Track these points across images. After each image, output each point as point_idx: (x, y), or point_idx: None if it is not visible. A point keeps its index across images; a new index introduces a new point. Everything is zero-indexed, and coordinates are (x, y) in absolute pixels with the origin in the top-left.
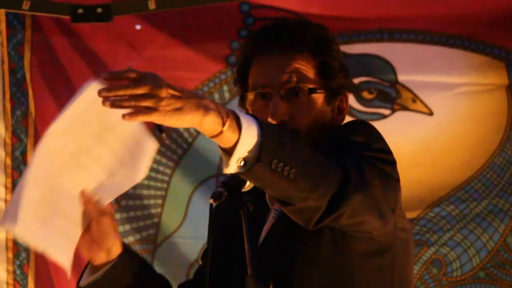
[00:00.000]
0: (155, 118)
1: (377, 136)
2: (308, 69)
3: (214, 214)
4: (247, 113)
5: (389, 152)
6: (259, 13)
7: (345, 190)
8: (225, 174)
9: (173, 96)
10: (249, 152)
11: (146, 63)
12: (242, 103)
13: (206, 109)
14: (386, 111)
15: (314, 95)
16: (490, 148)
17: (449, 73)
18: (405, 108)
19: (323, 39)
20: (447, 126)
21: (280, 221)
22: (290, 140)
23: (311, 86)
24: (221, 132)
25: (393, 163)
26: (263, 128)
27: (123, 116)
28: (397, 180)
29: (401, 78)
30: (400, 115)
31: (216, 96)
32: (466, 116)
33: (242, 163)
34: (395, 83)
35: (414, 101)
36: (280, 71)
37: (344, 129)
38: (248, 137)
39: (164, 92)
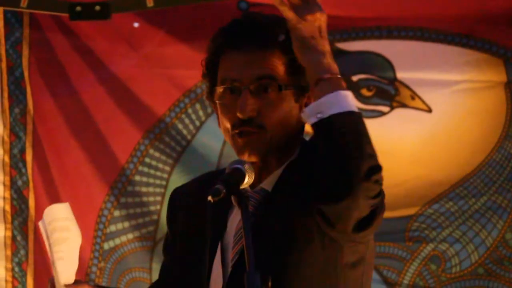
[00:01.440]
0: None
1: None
2: (278, 66)
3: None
4: (215, 107)
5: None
6: (257, 10)
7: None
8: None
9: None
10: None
11: (144, 60)
12: (210, 97)
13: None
14: (385, 108)
15: (284, 92)
16: (489, 145)
17: (447, 70)
18: (403, 105)
19: None
20: (446, 123)
21: (257, 221)
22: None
23: (281, 82)
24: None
25: (380, 169)
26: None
27: None
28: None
29: (400, 75)
30: (399, 112)
31: None
32: (464, 113)
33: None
34: (393, 80)
35: (413, 98)
36: (250, 66)
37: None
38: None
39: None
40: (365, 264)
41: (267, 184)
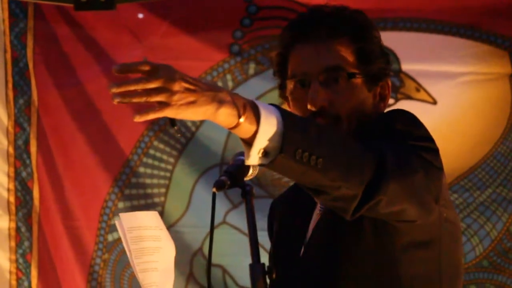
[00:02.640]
0: (168, 113)
1: (418, 124)
2: (347, 55)
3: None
4: (284, 102)
5: (431, 140)
6: (262, 2)
7: (381, 177)
8: (228, 163)
9: (186, 90)
10: (269, 141)
11: (149, 52)
12: (282, 92)
13: (220, 102)
14: (390, 100)
15: (354, 81)
16: (494, 136)
17: (452, 62)
18: (408, 97)
19: (362, 25)
20: (451, 115)
21: (324, 216)
22: (315, 128)
23: (349, 71)
24: (238, 124)
25: (435, 151)
26: (285, 117)
27: (134, 116)
28: (440, 168)
29: (405, 67)
30: (403, 104)
31: (220, 84)
32: (469, 105)
33: (264, 154)
34: (398, 72)
35: (417, 90)
36: (318, 58)
37: (384, 117)
38: (268, 127)
39: (177, 86)
40: (441, 244)
41: None
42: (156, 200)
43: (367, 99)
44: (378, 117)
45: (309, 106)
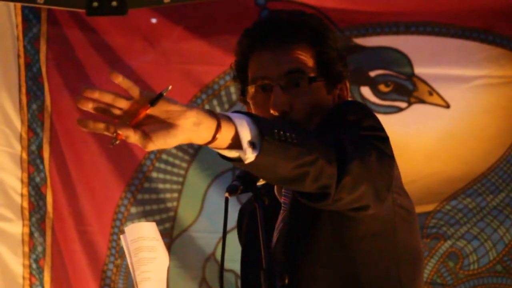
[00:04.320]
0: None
1: (368, 114)
2: (306, 59)
3: (239, 213)
4: (249, 108)
5: (381, 129)
6: (274, 6)
7: (344, 159)
8: (241, 168)
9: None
10: (250, 131)
11: (162, 56)
12: (243, 98)
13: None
14: (403, 104)
15: (315, 84)
16: (507, 140)
17: (466, 65)
18: (421, 101)
19: (320, 29)
20: (464, 118)
21: (286, 215)
22: (281, 121)
23: (311, 75)
24: (217, 134)
25: (386, 139)
26: (251, 115)
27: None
28: (392, 156)
29: (418, 71)
30: (416, 108)
31: (232, 89)
32: (483, 108)
33: (252, 145)
34: (411, 76)
35: (430, 93)
36: (279, 62)
37: (335, 109)
38: (242, 124)
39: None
40: (396, 231)
41: None
42: (169, 205)
43: (326, 102)
44: (330, 109)
45: (271, 111)
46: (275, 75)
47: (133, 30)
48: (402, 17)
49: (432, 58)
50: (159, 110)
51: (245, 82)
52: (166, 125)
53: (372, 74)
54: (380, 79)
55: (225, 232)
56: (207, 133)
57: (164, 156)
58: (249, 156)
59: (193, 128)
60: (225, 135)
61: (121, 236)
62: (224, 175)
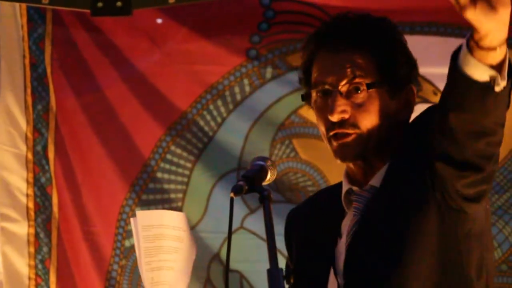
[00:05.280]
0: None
1: None
2: (367, 64)
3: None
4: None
5: None
6: (279, 6)
7: None
8: (246, 168)
9: None
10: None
11: (167, 57)
12: (307, 101)
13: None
14: None
15: (375, 90)
16: None
17: None
18: (426, 101)
19: (384, 33)
20: None
21: (369, 218)
22: None
23: (369, 80)
24: (495, 49)
25: None
26: None
27: None
28: None
29: (422, 70)
30: (421, 107)
31: (237, 89)
32: None
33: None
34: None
35: (435, 93)
36: (339, 68)
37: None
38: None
39: None
40: (488, 237)
41: (375, 181)
42: (174, 205)
43: (389, 108)
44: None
45: (329, 117)
46: (335, 81)
47: (139, 30)
48: (407, 17)
49: (437, 58)
50: None
51: (309, 85)
52: (489, 4)
53: None
54: None
55: (230, 232)
56: (499, 37)
57: (168, 156)
58: (502, 84)
59: (502, 25)
60: (501, 53)
61: (132, 220)
62: (229, 175)
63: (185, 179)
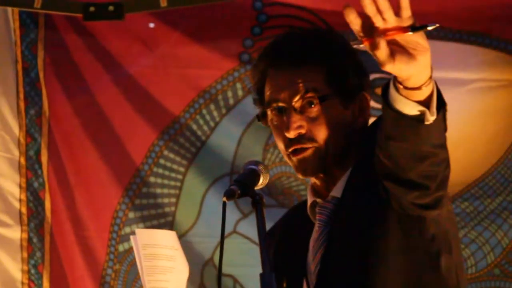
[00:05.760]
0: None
1: None
2: (318, 78)
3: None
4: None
5: None
6: (272, 10)
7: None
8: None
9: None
10: (436, 100)
11: (160, 61)
12: (264, 119)
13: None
14: None
15: (328, 102)
16: (505, 144)
17: (463, 69)
18: None
19: (331, 45)
20: (461, 122)
21: (333, 230)
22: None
23: (321, 94)
24: (420, 88)
25: None
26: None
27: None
28: None
29: None
30: None
31: (230, 93)
32: (480, 112)
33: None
34: None
35: None
36: (290, 84)
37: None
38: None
39: None
40: (451, 237)
41: (337, 191)
42: (167, 209)
43: (344, 117)
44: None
45: (286, 134)
46: (288, 98)
47: (131, 34)
48: None
49: (432, 62)
50: (412, 38)
51: (263, 105)
52: (407, 53)
53: (370, 77)
54: (378, 83)
55: (223, 237)
56: (422, 79)
57: (162, 161)
58: (431, 118)
59: (423, 68)
60: (427, 90)
61: (132, 237)
62: (222, 180)
63: (178, 184)
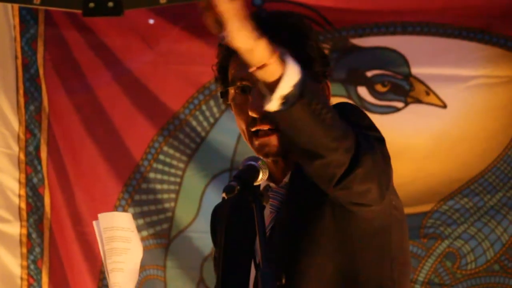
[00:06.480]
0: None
1: (365, 115)
2: None
3: (227, 208)
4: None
5: (378, 129)
6: (272, 6)
7: (360, 150)
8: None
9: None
10: (293, 87)
11: (159, 57)
12: (224, 99)
13: (260, 36)
14: (400, 104)
15: None
16: (504, 140)
17: (463, 65)
18: (418, 101)
19: (298, 30)
20: (461, 118)
21: (280, 214)
22: (324, 99)
23: None
24: (267, 64)
25: (383, 140)
26: (304, 72)
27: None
28: (389, 157)
29: (415, 70)
30: (413, 108)
31: None
32: (480, 108)
33: (283, 100)
34: (408, 76)
35: (427, 93)
36: None
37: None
38: (293, 74)
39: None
40: (391, 231)
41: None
42: (166, 205)
43: None
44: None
45: (250, 113)
46: (253, 77)
47: (131, 31)
48: (399, 17)
49: (429, 58)
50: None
51: (225, 84)
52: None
53: (369, 74)
54: (377, 79)
55: (222, 233)
56: (259, 55)
57: (161, 157)
58: (274, 105)
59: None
60: (273, 69)
61: (94, 223)
62: (222, 176)
63: (178, 180)
